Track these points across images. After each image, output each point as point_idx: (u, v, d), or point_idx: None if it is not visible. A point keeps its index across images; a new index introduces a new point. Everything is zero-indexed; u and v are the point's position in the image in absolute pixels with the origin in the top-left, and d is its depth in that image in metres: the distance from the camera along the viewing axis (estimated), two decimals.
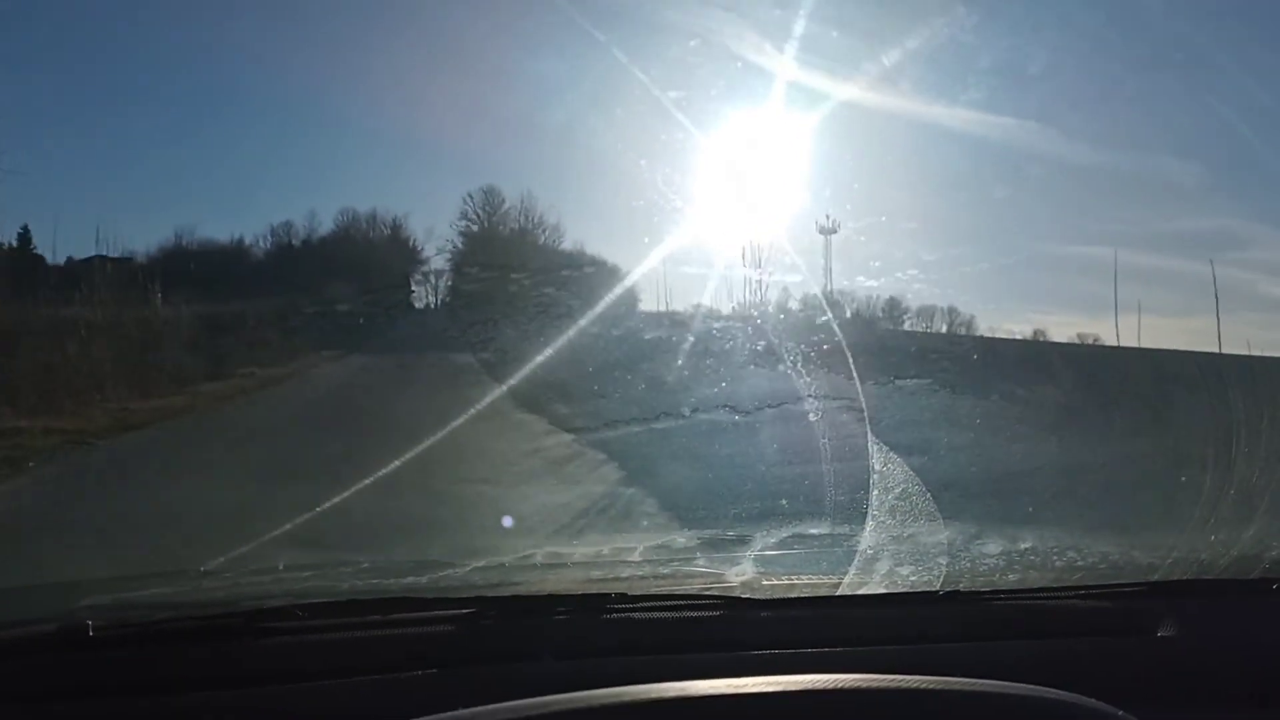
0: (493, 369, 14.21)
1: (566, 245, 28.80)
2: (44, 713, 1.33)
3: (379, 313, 21.06)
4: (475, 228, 32.34)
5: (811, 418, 6.30)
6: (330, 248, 35.50)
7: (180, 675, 1.38)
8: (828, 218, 22.56)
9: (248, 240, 33.55)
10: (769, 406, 8.13)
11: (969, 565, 1.83)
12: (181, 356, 15.79)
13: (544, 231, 30.18)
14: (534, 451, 8.37)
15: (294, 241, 44.44)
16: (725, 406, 8.71)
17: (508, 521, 5.62)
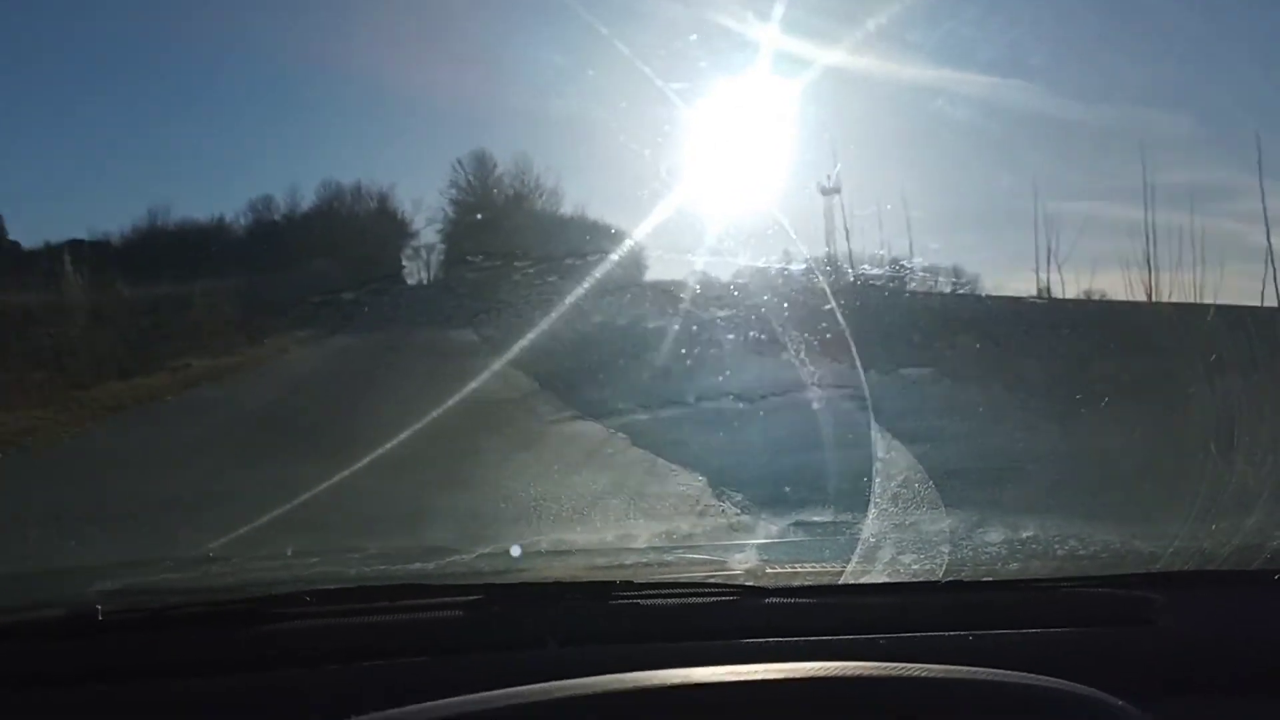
0: (496, 344, 11.97)
1: (566, 210, 26.83)
2: (52, 697, 1.35)
3: (365, 288, 18.08)
4: (468, 196, 30.62)
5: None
6: (313, 223, 33.53)
7: (188, 660, 1.39)
8: (828, 178, 22.27)
9: (227, 218, 31.22)
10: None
11: (971, 554, 1.84)
12: (88, 349, 12.31)
13: (541, 196, 28.68)
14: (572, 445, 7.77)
15: (275, 218, 42.13)
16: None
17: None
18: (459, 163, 29.93)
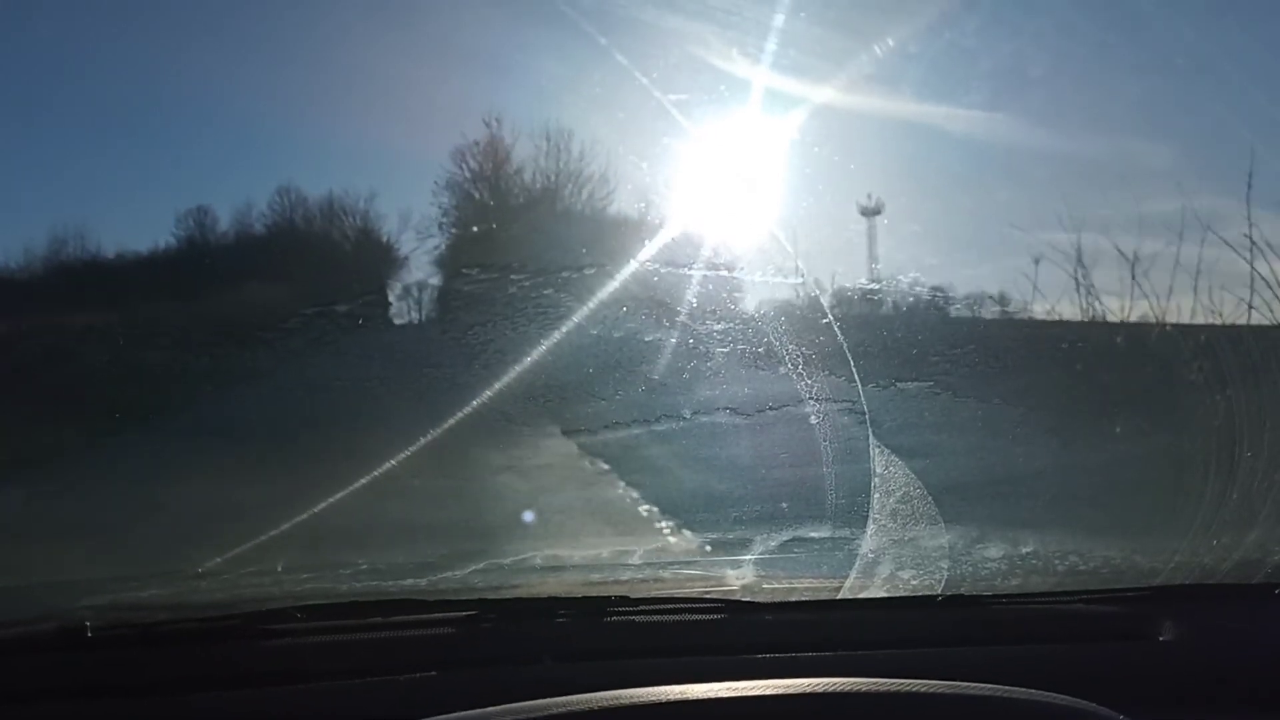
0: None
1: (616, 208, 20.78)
2: (42, 712, 1.33)
3: (313, 332, 15.40)
4: (476, 192, 24.59)
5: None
6: (262, 242, 31.88)
7: (179, 676, 1.37)
8: (869, 197, 22.62)
9: (142, 238, 27.73)
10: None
11: (970, 569, 1.83)
12: None
13: (584, 188, 22.55)
14: None
15: (208, 236, 39.59)
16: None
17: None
18: (462, 152, 28.64)
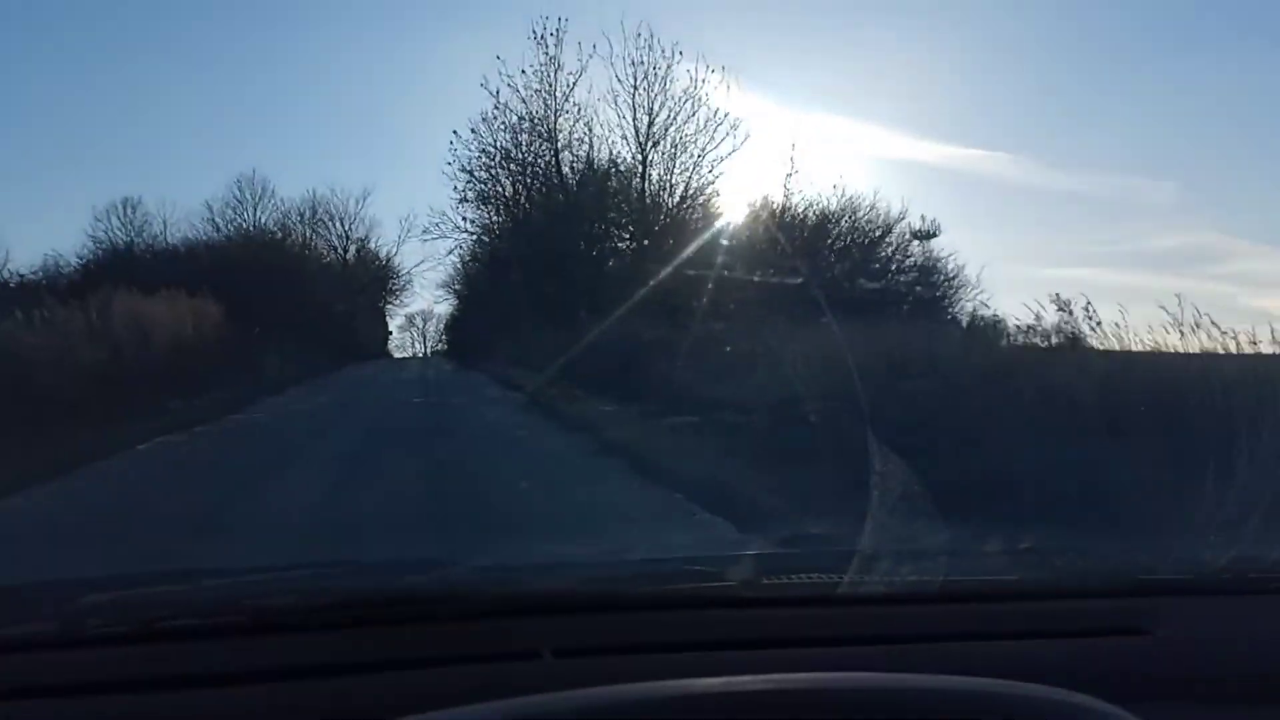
0: None
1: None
2: (43, 710, 1.34)
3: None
4: (528, 150, 28.88)
5: None
6: (199, 259, 33.21)
7: (180, 673, 1.38)
8: (923, 219, 26.45)
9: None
10: None
11: (969, 564, 1.84)
12: None
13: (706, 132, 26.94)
14: None
15: (133, 247, 37.89)
16: None
17: None
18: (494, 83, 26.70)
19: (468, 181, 28.83)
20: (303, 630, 1.46)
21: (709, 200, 26.31)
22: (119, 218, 40.70)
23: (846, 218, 26.53)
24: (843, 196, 26.33)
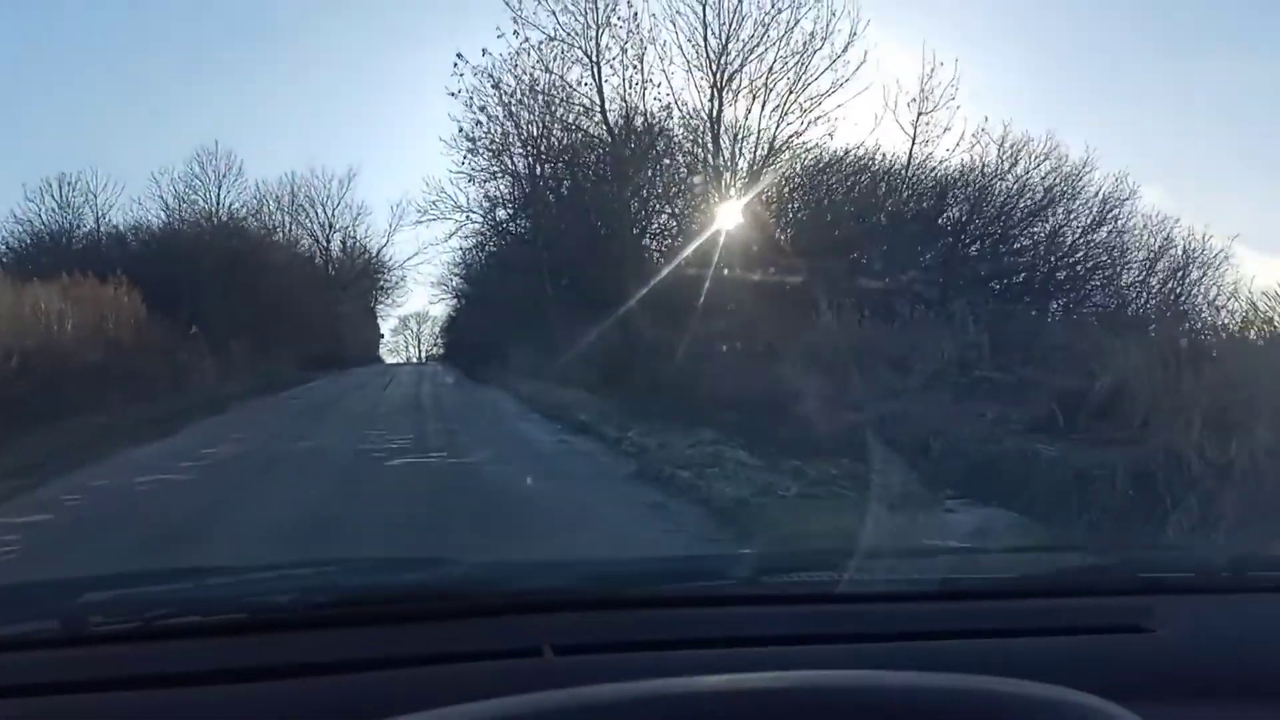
0: None
1: None
2: (45, 708, 1.34)
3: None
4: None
5: None
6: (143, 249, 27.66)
7: (182, 672, 1.38)
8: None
9: None
10: None
11: (969, 561, 1.84)
12: None
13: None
14: None
15: (70, 231, 32.03)
16: None
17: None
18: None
19: (475, 124, 21.27)
20: (303, 628, 1.46)
21: (811, 152, 19.12)
22: (54, 196, 33.83)
23: (1006, 169, 19.21)
24: (1003, 144, 19.21)
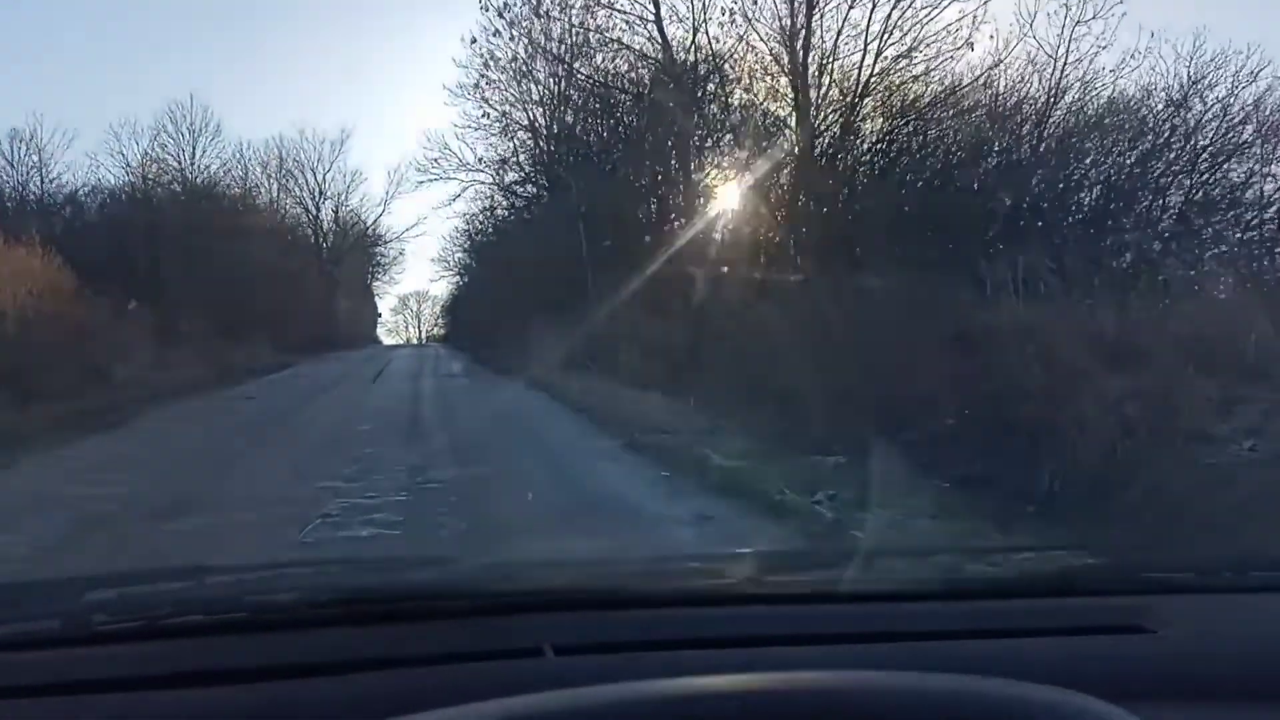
0: None
1: None
2: (47, 707, 1.34)
3: None
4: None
5: None
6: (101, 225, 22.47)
7: (183, 670, 1.38)
8: None
9: None
10: None
11: (969, 561, 1.84)
12: None
13: None
14: None
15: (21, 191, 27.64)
16: None
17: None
18: None
19: (494, 34, 17.32)
20: (305, 627, 1.46)
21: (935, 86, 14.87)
22: (4, 156, 29.80)
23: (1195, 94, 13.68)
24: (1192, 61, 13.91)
